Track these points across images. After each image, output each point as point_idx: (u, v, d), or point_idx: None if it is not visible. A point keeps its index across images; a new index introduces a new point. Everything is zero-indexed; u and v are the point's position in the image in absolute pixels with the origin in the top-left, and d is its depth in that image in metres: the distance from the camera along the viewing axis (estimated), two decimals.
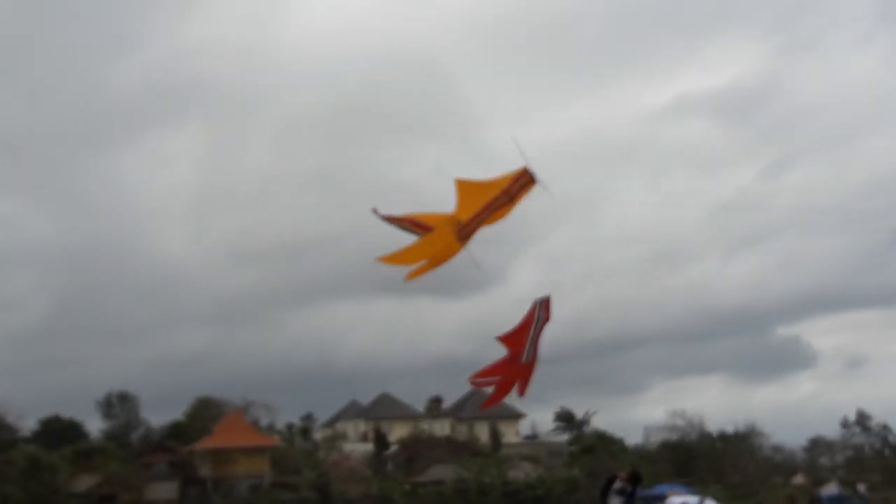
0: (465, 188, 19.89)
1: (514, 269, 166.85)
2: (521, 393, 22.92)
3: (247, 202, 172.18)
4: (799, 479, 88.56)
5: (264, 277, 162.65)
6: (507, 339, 22.61)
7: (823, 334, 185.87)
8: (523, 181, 19.79)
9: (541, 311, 22.50)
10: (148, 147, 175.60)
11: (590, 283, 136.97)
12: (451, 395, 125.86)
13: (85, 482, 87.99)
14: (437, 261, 20.59)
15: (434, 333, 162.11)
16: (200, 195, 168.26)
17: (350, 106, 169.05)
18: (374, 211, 20.80)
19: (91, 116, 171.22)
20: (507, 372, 22.74)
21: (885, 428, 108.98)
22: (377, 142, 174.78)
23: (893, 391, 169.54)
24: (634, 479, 25.13)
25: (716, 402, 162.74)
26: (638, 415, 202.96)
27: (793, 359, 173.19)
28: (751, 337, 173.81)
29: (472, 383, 22.92)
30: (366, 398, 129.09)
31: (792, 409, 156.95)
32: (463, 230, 20.09)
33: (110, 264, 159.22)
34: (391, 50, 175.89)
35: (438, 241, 20.38)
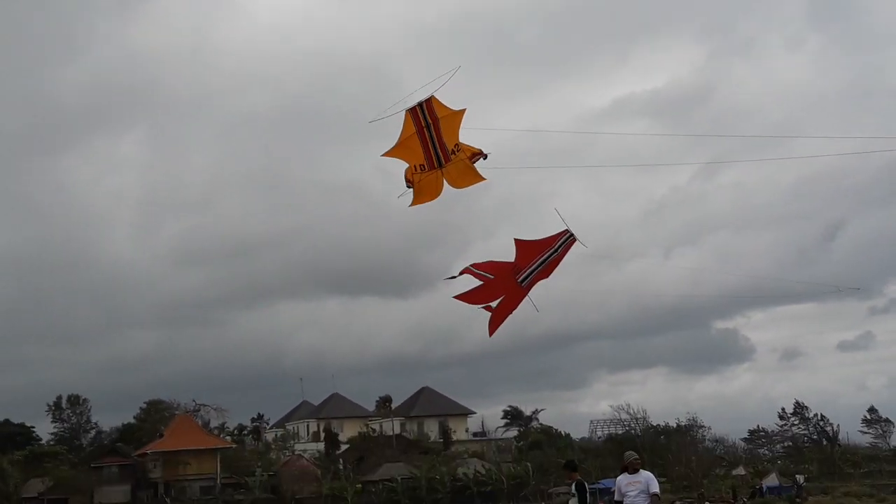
0: (394, 153, 21.50)
1: (460, 268, 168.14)
2: (492, 327, 23.05)
3: (193, 205, 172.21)
4: (741, 471, 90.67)
5: (211, 279, 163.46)
6: (521, 245, 22.82)
7: (759, 328, 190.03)
8: (420, 110, 21.03)
9: (562, 244, 22.54)
10: (93, 151, 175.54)
11: None
12: (401, 393, 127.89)
13: (35, 487, 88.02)
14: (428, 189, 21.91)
15: (382, 333, 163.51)
16: (146, 199, 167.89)
17: (294, 108, 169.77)
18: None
19: (36, 121, 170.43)
20: (499, 276, 22.99)
21: (822, 418, 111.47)
22: (321, 143, 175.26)
23: (828, 382, 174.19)
24: (570, 467, 25.62)
25: (658, 395, 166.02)
26: (583, 408, 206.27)
27: (731, 352, 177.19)
28: (690, 331, 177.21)
29: (466, 270, 22.98)
30: (316, 398, 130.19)
31: (731, 400, 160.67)
32: (431, 165, 21.52)
33: (57, 268, 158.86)
34: (334, 52, 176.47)
35: (424, 183, 21.75)
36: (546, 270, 22.87)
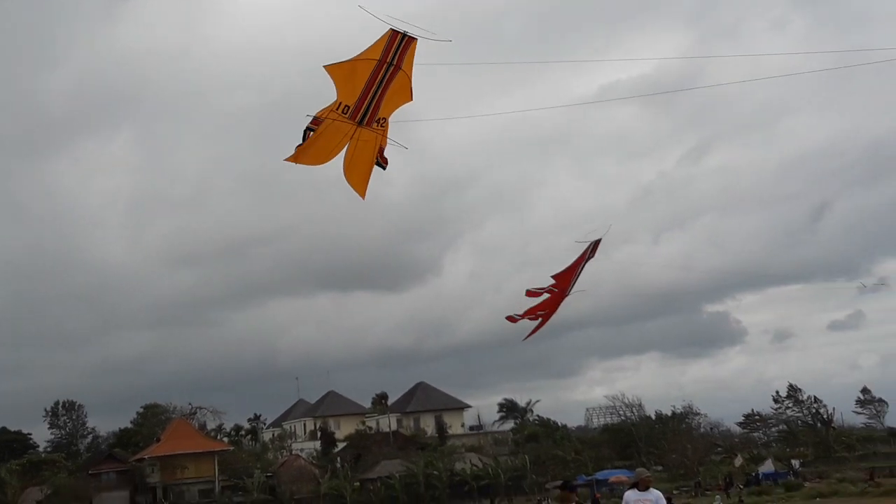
0: (337, 71, 18.68)
1: (449, 260, 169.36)
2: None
3: (183, 205, 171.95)
4: (738, 461, 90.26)
5: (203, 279, 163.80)
6: (559, 277, 25.43)
7: (750, 310, 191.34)
8: (397, 43, 17.89)
9: (591, 251, 25.10)
10: (82, 154, 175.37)
11: (524, 269, 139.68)
12: (396, 387, 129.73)
13: (34, 495, 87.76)
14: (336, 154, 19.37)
15: (374, 327, 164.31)
16: (136, 200, 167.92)
17: (284, 106, 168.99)
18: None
19: (23, 125, 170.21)
20: (552, 306, 25.69)
21: (816, 401, 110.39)
22: None
23: (820, 362, 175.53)
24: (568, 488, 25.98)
25: (652, 380, 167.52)
26: (578, 396, 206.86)
27: (722, 335, 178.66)
28: (681, 315, 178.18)
29: (523, 315, 25.41)
30: (312, 396, 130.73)
31: (725, 383, 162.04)
32: (355, 115, 18.74)
33: (49, 272, 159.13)
34: (322, 48, 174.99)
35: (331, 131, 19.04)
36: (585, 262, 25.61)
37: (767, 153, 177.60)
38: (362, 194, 19.67)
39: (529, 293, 25.57)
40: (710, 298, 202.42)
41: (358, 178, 19.75)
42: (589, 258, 25.29)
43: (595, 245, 24.99)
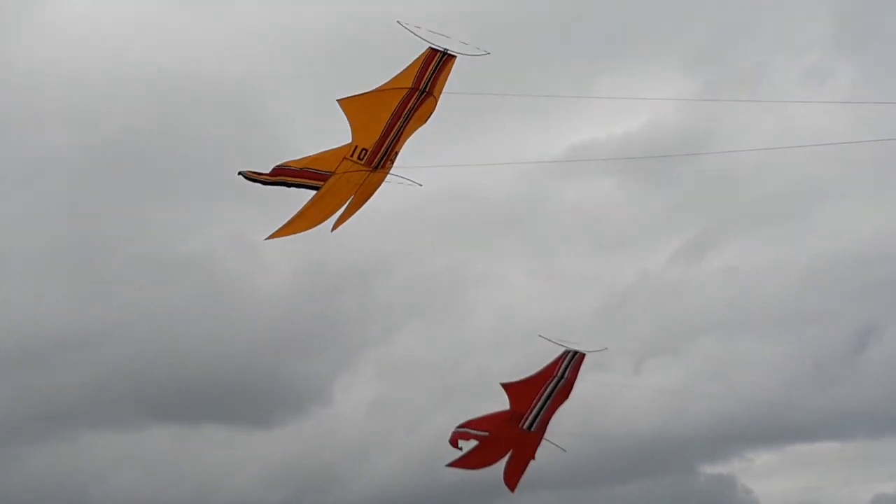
0: (354, 107, 16.96)
1: (343, 383, 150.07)
2: (513, 480, 22.95)
3: None
4: None
5: None
6: (512, 389, 22.45)
7: (765, 474, 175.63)
8: (435, 63, 17.31)
9: (567, 368, 22.12)
10: None
11: (449, 403, 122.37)
12: None
13: None
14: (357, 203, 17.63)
15: (233, 476, 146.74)
16: None
17: (114, 152, 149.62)
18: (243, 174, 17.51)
19: None
20: (497, 431, 22.28)
21: None
22: (151, 201, 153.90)
23: None
24: None
25: None
26: None
27: None
28: (668, 478, 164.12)
29: (458, 435, 22.40)
30: None
31: None
32: (373, 158, 17.50)
33: None
34: (175, 73, 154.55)
35: (340, 185, 17.25)
36: (559, 399, 22.57)
37: (795, 252, 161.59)
38: (338, 224, 17.73)
39: (462, 433, 22.48)
40: (710, 456, 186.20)
41: (345, 214, 17.83)
42: (560, 381, 22.35)
43: (575, 359, 22.22)
